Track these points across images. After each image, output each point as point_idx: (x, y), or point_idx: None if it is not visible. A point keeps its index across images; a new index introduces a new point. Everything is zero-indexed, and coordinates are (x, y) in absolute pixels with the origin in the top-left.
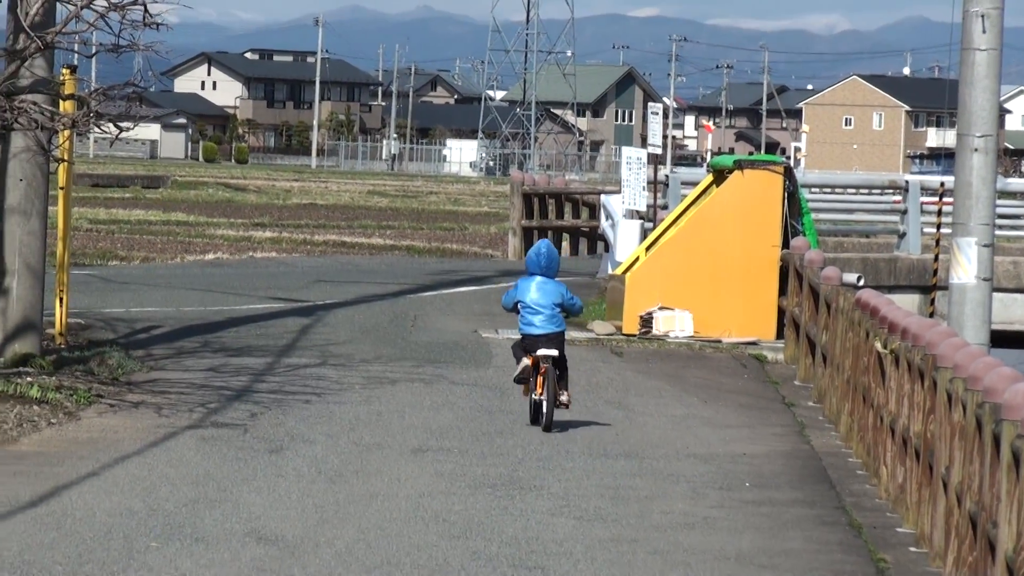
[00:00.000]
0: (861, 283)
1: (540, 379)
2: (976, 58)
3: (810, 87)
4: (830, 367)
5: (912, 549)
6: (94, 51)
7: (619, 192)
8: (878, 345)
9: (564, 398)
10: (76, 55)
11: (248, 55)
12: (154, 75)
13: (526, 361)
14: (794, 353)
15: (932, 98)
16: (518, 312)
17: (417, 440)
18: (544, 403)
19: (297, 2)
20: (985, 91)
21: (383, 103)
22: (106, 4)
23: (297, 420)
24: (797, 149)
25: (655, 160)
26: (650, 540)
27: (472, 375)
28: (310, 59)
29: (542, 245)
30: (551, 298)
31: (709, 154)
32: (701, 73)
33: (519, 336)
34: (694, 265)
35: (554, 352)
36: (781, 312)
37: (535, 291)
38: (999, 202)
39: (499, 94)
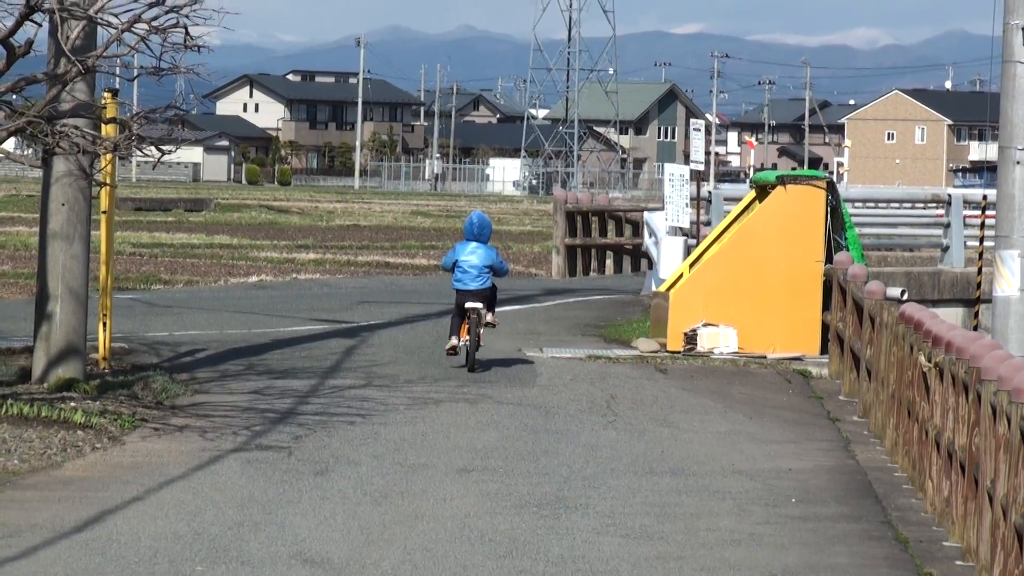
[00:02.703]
0: (905, 297)
1: (465, 326)
2: (1017, 70)
3: (852, 102)
4: (875, 381)
5: (958, 563)
6: (135, 74)
7: (662, 209)
8: (922, 359)
9: (490, 318)
10: (117, 78)
11: (290, 77)
12: (196, 98)
13: (454, 341)
14: (838, 368)
15: (974, 111)
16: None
17: (462, 460)
18: (468, 347)
19: (339, 23)
20: None
21: (425, 123)
22: (147, 27)
23: (342, 442)
24: (840, 164)
25: (698, 177)
26: (696, 557)
27: (516, 394)
28: (352, 80)
29: (474, 216)
30: (483, 260)
31: (752, 170)
32: (743, 89)
33: (456, 299)
34: (738, 281)
35: (479, 305)
36: (825, 327)
37: (469, 254)
38: None
39: (542, 112)
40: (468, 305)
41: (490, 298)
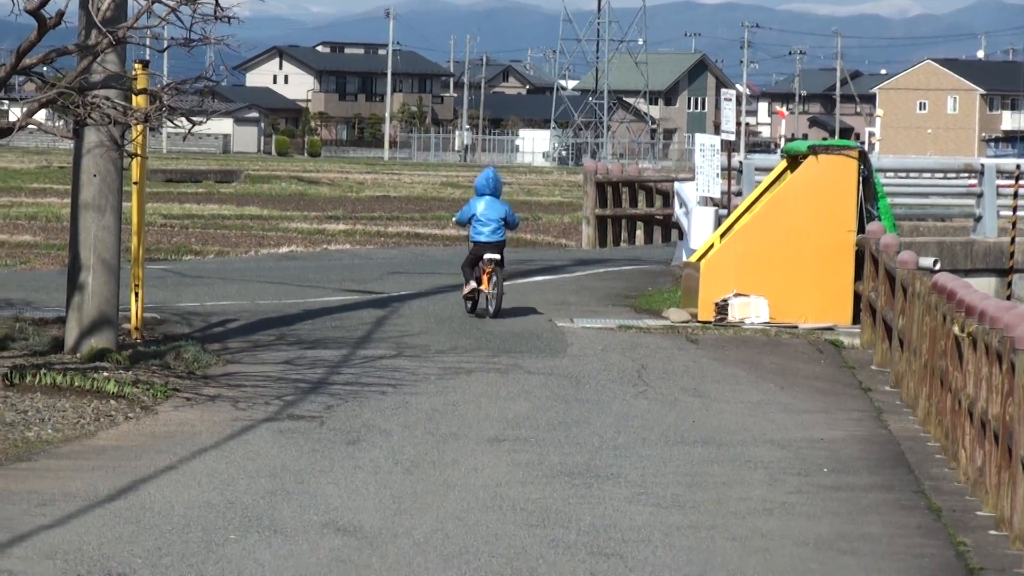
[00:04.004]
0: (937, 267)
1: (486, 277)
2: None
3: (884, 72)
4: (907, 351)
5: (992, 532)
6: (166, 46)
7: (692, 179)
8: (955, 328)
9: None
10: (148, 50)
11: (319, 48)
12: (226, 69)
13: (473, 284)
14: (871, 338)
15: (1007, 81)
16: (469, 226)
17: (493, 430)
18: (491, 296)
19: None
20: None
21: (455, 94)
22: None
23: (373, 411)
24: (871, 134)
25: (728, 147)
26: (728, 526)
27: (547, 364)
28: (381, 51)
29: (488, 171)
30: (498, 213)
31: (783, 140)
32: (774, 59)
33: (470, 249)
34: (769, 251)
35: (496, 256)
36: (857, 297)
37: (485, 207)
38: None
39: (571, 83)
40: (487, 256)
41: (502, 255)
